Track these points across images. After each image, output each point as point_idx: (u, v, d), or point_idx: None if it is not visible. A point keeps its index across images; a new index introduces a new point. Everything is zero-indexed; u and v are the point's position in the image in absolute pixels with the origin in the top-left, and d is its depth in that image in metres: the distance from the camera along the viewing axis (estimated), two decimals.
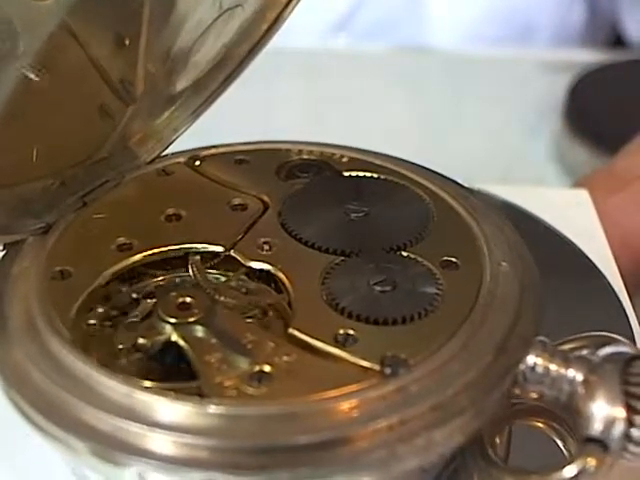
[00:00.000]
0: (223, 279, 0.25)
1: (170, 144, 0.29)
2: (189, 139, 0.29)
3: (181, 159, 0.29)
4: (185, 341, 0.22)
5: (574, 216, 0.35)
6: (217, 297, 0.23)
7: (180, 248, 0.25)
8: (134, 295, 0.25)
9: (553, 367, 0.22)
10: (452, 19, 0.66)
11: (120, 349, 0.23)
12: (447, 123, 0.45)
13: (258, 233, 0.26)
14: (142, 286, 0.25)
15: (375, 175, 0.28)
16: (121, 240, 0.25)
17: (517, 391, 0.22)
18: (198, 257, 0.25)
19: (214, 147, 0.30)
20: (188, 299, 0.23)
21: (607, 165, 0.46)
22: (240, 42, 0.29)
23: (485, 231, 0.25)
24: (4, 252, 0.25)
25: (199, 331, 0.22)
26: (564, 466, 0.21)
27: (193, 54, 0.29)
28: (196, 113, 0.30)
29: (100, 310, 0.24)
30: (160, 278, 0.25)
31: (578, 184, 0.44)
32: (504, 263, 0.24)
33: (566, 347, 0.23)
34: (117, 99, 0.28)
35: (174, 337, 0.22)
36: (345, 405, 0.20)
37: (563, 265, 0.33)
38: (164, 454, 0.20)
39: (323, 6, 0.64)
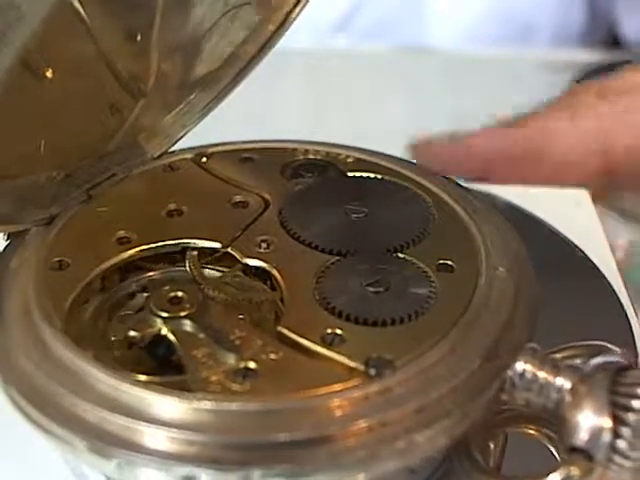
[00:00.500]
0: (219, 275, 0.25)
1: (178, 140, 0.30)
2: (187, 137, 0.30)
3: (188, 155, 0.29)
4: (174, 335, 0.22)
5: (574, 216, 0.35)
6: (210, 292, 0.24)
7: (178, 243, 0.25)
8: (130, 288, 0.25)
9: (542, 374, 0.21)
10: (452, 19, 0.65)
11: (113, 341, 0.23)
12: (447, 123, 0.45)
13: (257, 231, 0.26)
14: (139, 279, 0.25)
15: (378, 176, 0.28)
16: (121, 234, 0.25)
17: (505, 397, 0.22)
18: (195, 253, 0.25)
19: (222, 144, 0.30)
20: (180, 294, 0.23)
21: None
22: (248, 41, 0.29)
23: (484, 234, 0.25)
24: (7, 242, 0.26)
25: (188, 325, 0.22)
26: (548, 474, 0.21)
27: (202, 51, 0.29)
28: (205, 110, 0.30)
29: (96, 302, 0.24)
30: (157, 272, 0.25)
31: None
32: (501, 268, 0.24)
33: (559, 355, 0.23)
34: (126, 94, 0.29)
35: (164, 331, 0.22)
36: (327, 404, 0.20)
37: (563, 265, 0.32)
38: (148, 447, 0.20)
39: (323, 6, 0.64)
